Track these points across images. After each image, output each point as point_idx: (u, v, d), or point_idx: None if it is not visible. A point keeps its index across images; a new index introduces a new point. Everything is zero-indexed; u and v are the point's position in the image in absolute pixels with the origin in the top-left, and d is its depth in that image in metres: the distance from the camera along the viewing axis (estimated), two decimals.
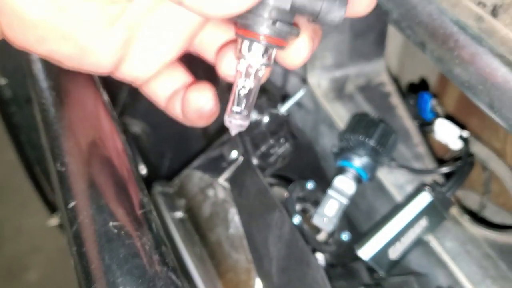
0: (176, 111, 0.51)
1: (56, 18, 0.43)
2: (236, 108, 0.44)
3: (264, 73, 0.45)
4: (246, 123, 0.45)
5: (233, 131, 0.46)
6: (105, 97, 0.60)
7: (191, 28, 0.49)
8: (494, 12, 0.55)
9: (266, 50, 0.43)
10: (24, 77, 0.69)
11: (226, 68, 0.48)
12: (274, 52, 0.44)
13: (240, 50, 0.43)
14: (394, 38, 0.94)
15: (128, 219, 0.48)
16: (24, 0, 0.42)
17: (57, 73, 0.60)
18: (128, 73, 0.50)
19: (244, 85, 0.44)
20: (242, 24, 0.42)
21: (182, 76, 0.52)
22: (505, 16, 0.54)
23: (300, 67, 0.89)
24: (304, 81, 0.86)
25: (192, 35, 0.49)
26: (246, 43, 0.43)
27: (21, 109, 0.97)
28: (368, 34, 0.85)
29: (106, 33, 0.45)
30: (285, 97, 0.80)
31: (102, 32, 0.45)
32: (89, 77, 0.61)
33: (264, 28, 0.41)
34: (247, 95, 0.44)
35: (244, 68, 0.44)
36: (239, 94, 0.44)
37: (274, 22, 0.41)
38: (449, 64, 0.57)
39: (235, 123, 0.45)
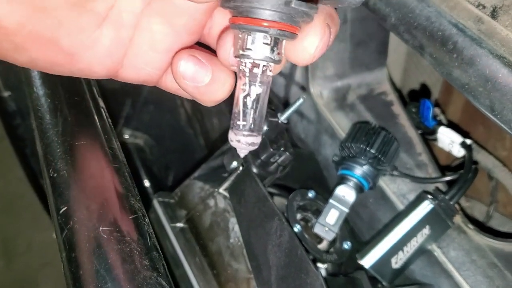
0: (168, 84, 0.43)
1: (34, 22, 0.37)
2: (242, 122, 0.34)
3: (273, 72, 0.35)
4: (257, 141, 0.35)
5: (242, 152, 0.36)
6: (101, 103, 0.60)
7: (192, 20, 0.39)
8: (494, 14, 0.54)
9: (275, 42, 0.33)
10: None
11: (225, 57, 0.38)
12: (284, 43, 0.34)
13: (240, 46, 0.33)
14: (397, 48, 0.93)
15: (119, 224, 0.47)
16: None
17: (53, 81, 0.60)
18: (131, 76, 0.43)
19: (250, 91, 0.34)
20: (241, 8, 0.31)
21: None
22: (506, 17, 0.53)
23: (302, 76, 0.88)
24: (303, 89, 0.86)
25: (196, 27, 0.40)
26: (248, 35, 0.33)
27: (25, 121, 0.97)
28: (370, 43, 0.84)
29: (93, 35, 0.39)
30: (286, 106, 0.79)
31: (89, 34, 0.39)
32: (85, 84, 0.61)
33: (272, 13, 0.31)
34: (254, 104, 0.34)
35: (248, 69, 0.34)
36: (244, 103, 0.34)
37: (287, 3, 0.31)
38: (448, 67, 0.55)
39: (244, 141, 0.35)
